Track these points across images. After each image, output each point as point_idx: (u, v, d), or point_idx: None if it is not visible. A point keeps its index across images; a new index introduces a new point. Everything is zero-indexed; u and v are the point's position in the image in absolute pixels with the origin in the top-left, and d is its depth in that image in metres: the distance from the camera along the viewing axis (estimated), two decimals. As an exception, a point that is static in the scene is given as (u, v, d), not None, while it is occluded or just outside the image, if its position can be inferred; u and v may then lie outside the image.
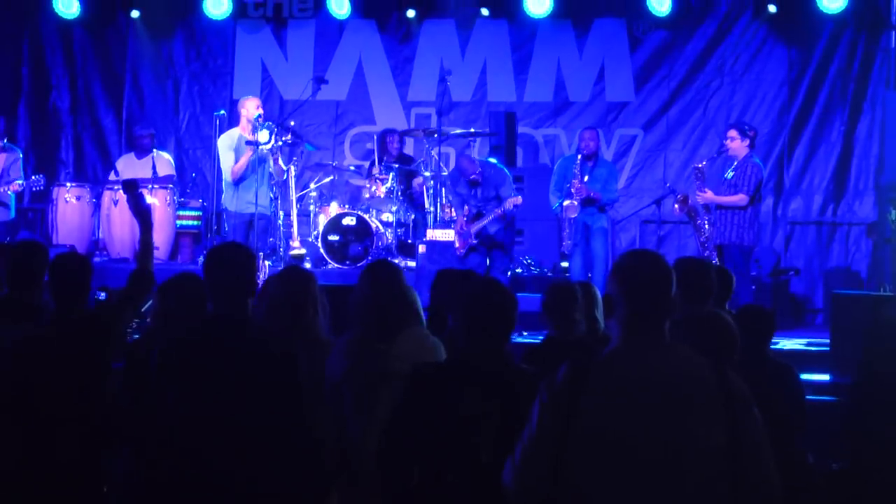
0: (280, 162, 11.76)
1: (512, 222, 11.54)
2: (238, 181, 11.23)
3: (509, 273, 11.83)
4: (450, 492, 4.08)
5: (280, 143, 11.70)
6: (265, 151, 11.33)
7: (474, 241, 11.33)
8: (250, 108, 11.47)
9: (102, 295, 8.67)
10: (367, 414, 4.82)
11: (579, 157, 11.49)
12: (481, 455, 4.01)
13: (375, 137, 13.60)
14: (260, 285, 5.80)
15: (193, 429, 4.29)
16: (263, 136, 11.26)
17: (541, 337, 6.19)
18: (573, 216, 11.32)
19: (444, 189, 12.39)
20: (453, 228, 11.59)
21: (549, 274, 12.57)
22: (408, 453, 4.18)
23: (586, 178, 11.30)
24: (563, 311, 5.81)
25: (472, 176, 11.44)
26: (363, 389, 4.85)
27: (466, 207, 11.49)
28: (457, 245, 11.45)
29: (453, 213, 11.74)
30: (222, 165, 11.34)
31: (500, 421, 4.00)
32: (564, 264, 12.19)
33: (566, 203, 11.37)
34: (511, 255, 11.95)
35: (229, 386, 4.28)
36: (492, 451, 3.94)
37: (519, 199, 11.27)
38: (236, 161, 11.27)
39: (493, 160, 12.00)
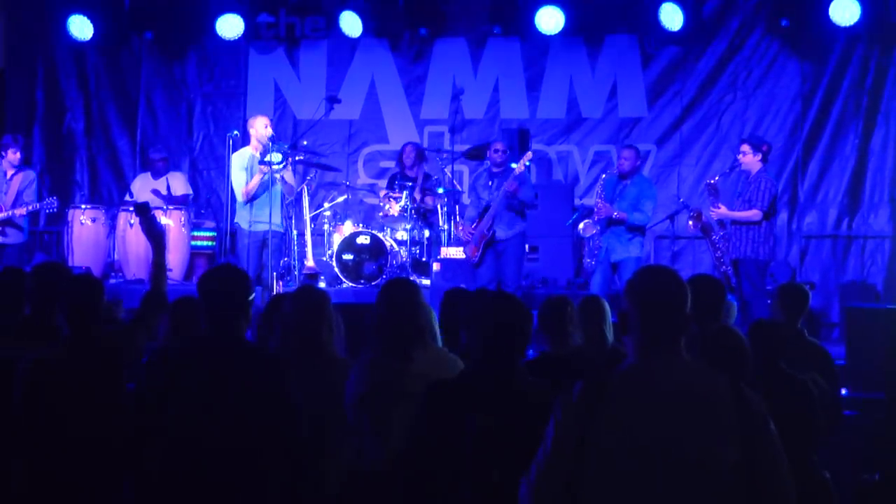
0: (291, 181, 11.47)
1: (523, 236, 11.29)
2: (250, 200, 11.12)
3: (521, 288, 11.63)
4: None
5: (291, 159, 11.49)
6: (277, 171, 11.15)
7: (488, 234, 11.00)
8: (259, 127, 11.21)
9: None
10: (384, 434, 4.81)
11: (603, 176, 11.39)
12: (494, 472, 4.01)
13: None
14: (270, 305, 5.85)
15: (185, 441, 4.38)
16: (276, 157, 11.05)
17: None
18: (590, 234, 11.12)
19: (457, 206, 12.32)
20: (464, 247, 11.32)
21: (564, 290, 12.46)
22: (429, 471, 4.17)
23: (602, 196, 11.00)
24: (556, 325, 5.80)
25: (499, 162, 11.09)
26: (380, 409, 4.85)
27: (476, 222, 11.17)
28: (469, 252, 11.06)
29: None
30: (234, 185, 11.18)
31: (516, 436, 3.98)
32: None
33: (581, 225, 11.17)
34: (522, 270, 11.55)
35: (218, 401, 4.36)
36: (505, 467, 3.93)
37: (530, 154, 11.12)
38: (248, 180, 11.12)
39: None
